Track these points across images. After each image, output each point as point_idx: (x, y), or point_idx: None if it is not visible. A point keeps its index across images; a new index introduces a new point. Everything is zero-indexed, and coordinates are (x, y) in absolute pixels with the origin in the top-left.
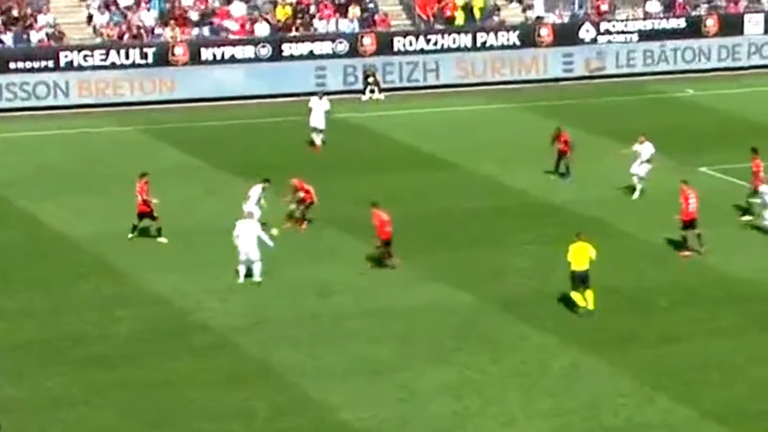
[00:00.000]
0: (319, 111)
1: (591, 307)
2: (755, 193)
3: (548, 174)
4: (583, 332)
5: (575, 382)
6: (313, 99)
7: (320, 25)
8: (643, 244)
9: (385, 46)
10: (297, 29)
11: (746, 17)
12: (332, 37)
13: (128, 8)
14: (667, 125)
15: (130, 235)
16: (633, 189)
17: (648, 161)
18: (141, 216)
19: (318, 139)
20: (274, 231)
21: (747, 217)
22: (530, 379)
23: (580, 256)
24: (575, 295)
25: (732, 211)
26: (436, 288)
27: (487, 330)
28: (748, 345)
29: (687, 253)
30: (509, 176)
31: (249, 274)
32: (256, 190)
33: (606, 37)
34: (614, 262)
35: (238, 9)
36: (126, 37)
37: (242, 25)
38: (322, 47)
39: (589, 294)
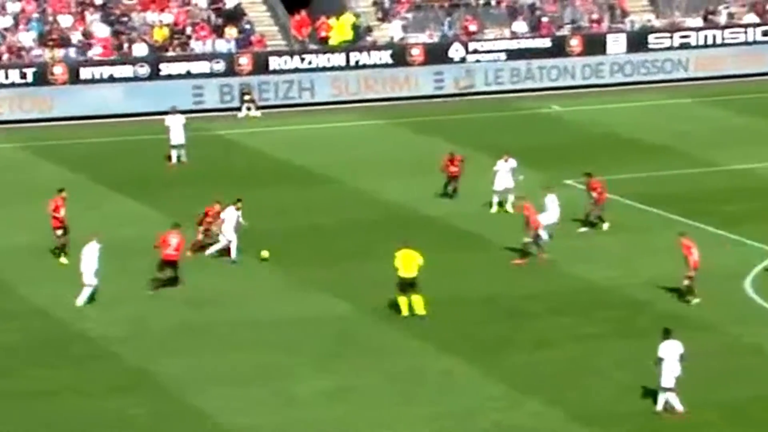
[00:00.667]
0: (176, 127)
1: (422, 312)
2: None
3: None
4: (457, 340)
5: (450, 388)
6: (168, 117)
7: (197, 46)
8: (515, 254)
9: (261, 66)
10: (174, 49)
11: (609, 37)
12: (209, 57)
13: (7, 29)
14: (533, 140)
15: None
16: (502, 203)
17: (512, 176)
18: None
19: (175, 155)
20: (265, 253)
21: (584, 228)
22: (407, 386)
23: (408, 262)
24: (401, 301)
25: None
26: (314, 298)
27: (365, 338)
28: (611, 350)
29: (521, 261)
30: (384, 190)
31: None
32: (231, 213)
33: (475, 56)
34: (488, 273)
35: (103, 31)
36: (6, 57)
37: (107, 47)
38: (200, 67)
39: (417, 299)
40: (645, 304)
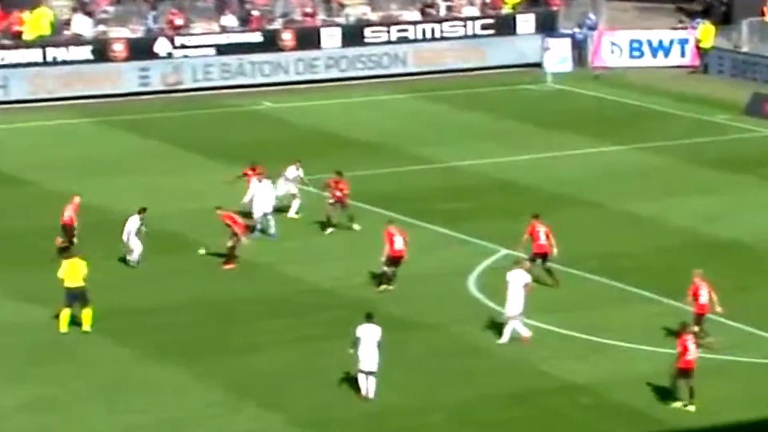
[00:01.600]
0: None
1: (87, 328)
2: None
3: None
4: (167, 345)
5: (159, 396)
6: None
7: None
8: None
9: None
10: None
11: (323, 31)
12: None
13: None
14: (245, 137)
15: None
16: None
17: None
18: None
19: None
20: (202, 251)
21: (331, 230)
22: (113, 394)
23: (74, 272)
24: (63, 315)
25: (312, 221)
26: (6, 305)
27: (66, 345)
28: (331, 351)
29: (232, 266)
30: (85, 192)
31: None
32: (133, 222)
33: (182, 51)
34: (196, 276)
35: None
36: None
37: None
38: None
39: (86, 313)
40: (368, 305)
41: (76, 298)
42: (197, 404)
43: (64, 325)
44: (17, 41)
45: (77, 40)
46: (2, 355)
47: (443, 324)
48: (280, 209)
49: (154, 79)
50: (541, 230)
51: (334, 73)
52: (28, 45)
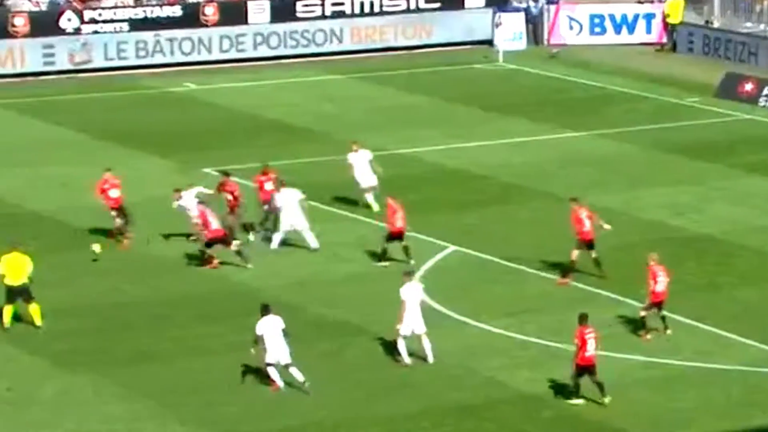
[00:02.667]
0: None
1: (39, 323)
2: None
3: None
4: (81, 354)
5: (67, 408)
6: None
7: None
8: (141, 256)
9: None
10: None
11: (250, 5)
12: None
13: None
14: (164, 122)
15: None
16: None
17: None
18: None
19: None
20: (96, 247)
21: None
22: (16, 408)
23: (16, 268)
24: (6, 310)
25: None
26: None
27: None
28: (251, 360)
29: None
30: None
31: None
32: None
33: (92, 27)
34: (125, 275)
35: None
36: None
37: None
38: None
39: (34, 309)
40: (294, 308)
41: (20, 294)
42: (103, 416)
43: (7, 319)
44: None
45: None
46: None
47: (384, 330)
48: None
49: (59, 58)
50: (583, 214)
51: (263, 51)
52: None
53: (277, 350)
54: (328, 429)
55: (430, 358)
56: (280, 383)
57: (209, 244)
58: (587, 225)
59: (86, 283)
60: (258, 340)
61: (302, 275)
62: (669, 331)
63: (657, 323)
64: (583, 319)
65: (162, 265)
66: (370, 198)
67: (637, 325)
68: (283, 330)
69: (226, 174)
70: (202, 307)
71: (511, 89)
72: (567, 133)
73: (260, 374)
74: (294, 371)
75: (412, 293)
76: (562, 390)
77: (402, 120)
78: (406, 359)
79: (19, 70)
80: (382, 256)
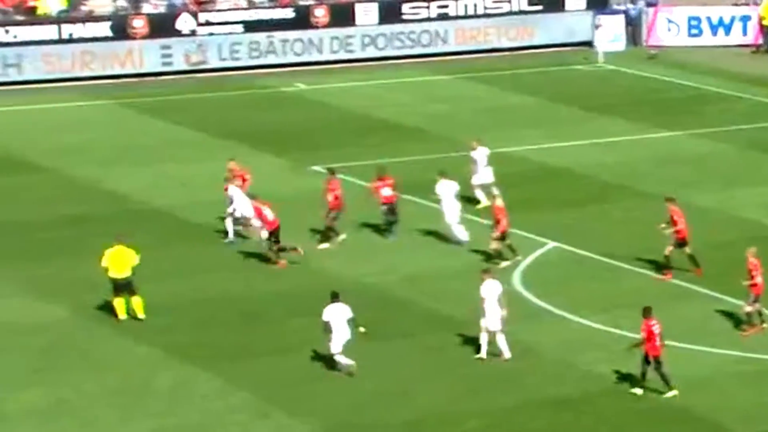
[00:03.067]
0: None
1: (142, 316)
2: None
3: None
4: (191, 346)
5: (182, 400)
6: None
7: None
8: (253, 252)
9: None
10: None
11: (358, 7)
12: None
13: None
14: (276, 122)
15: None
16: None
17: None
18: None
19: None
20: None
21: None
22: (131, 398)
23: (120, 261)
24: (117, 303)
25: (349, 211)
26: (20, 302)
27: (81, 345)
28: (363, 354)
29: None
30: (109, 180)
31: None
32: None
33: (207, 29)
34: (223, 271)
35: None
36: None
37: None
38: None
39: (137, 302)
40: (404, 303)
41: (123, 288)
42: (220, 410)
43: (121, 312)
44: (31, 17)
45: (95, 16)
46: (13, 357)
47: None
48: None
49: (176, 59)
50: (677, 214)
51: (371, 52)
52: (42, 21)
53: (340, 339)
54: (431, 422)
55: (506, 354)
56: (349, 362)
57: (274, 238)
58: (681, 224)
59: (200, 278)
60: (326, 327)
61: (410, 270)
62: (765, 325)
63: (756, 318)
64: (647, 311)
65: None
66: (480, 194)
67: (734, 321)
68: (349, 320)
69: (332, 172)
70: (298, 301)
71: (610, 90)
72: (664, 133)
73: (366, 367)
74: (343, 359)
75: (491, 290)
76: (657, 384)
77: (503, 119)
78: (483, 353)
79: (138, 70)
80: (498, 255)
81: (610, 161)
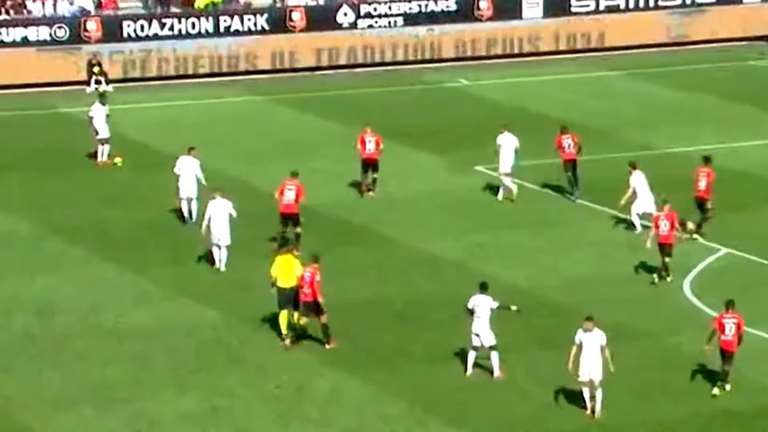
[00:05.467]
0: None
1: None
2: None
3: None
4: (345, 351)
5: (337, 407)
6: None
7: (35, 8)
8: (413, 252)
9: (112, 32)
10: (7, 12)
11: (524, 1)
12: (49, 22)
13: None
14: (439, 119)
15: None
16: (496, 190)
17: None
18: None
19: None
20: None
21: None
22: (286, 405)
23: (287, 270)
24: (281, 318)
25: (511, 212)
26: (175, 304)
27: (235, 349)
28: (528, 363)
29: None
30: (257, 177)
31: None
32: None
33: (367, 21)
34: (379, 273)
35: None
36: None
37: None
38: (40, 32)
39: (304, 321)
40: (569, 309)
41: (289, 300)
42: (375, 417)
43: (284, 328)
44: (188, 9)
45: (253, 9)
46: (165, 360)
47: (656, 332)
48: None
49: (335, 53)
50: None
51: (535, 47)
52: (200, 14)
53: (482, 332)
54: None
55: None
56: (469, 371)
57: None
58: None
59: (352, 280)
60: (471, 314)
61: (576, 274)
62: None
63: None
64: (729, 305)
65: (427, 263)
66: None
67: None
68: (492, 309)
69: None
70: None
71: None
72: None
73: (535, 377)
74: (494, 356)
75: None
76: None
77: (675, 118)
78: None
79: (295, 65)
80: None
81: None
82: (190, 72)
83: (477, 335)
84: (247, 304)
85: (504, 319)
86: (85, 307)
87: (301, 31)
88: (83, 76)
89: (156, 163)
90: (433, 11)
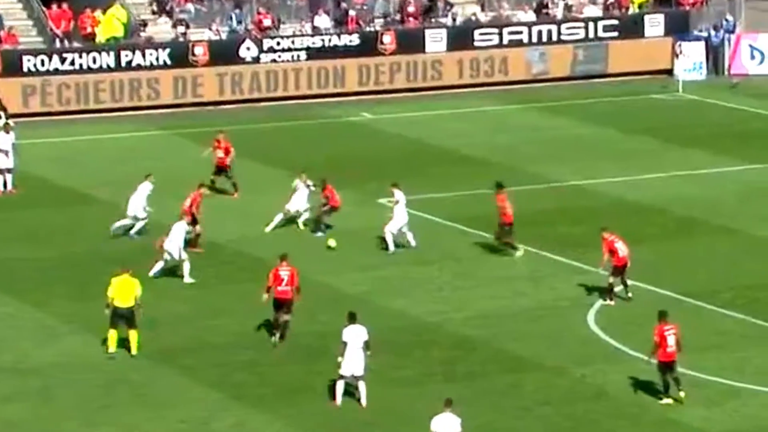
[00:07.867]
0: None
1: (134, 351)
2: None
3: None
4: (249, 386)
5: None
6: None
7: None
8: (316, 285)
9: (12, 66)
10: None
11: (427, 33)
12: None
13: None
14: (342, 153)
15: None
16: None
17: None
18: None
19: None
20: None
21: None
22: None
23: (124, 291)
24: (111, 336)
25: (419, 245)
26: (77, 339)
27: (140, 384)
28: (432, 395)
29: None
30: (162, 212)
31: None
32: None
33: (270, 56)
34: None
35: None
36: None
37: None
38: None
39: (132, 335)
40: (475, 342)
41: (124, 318)
42: None
43: (113, 345)
44: (90, 44)
45: (153, 43)
46: (69, 395)
47: (560, 365)
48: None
49: (239, 87)
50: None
51: (437, 81)
52: (101, 49)
53: (353, 362)
54: None
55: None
56: (338, 401)
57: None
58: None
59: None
60: (343, 348)
61: (482, 307)
62: None
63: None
64: (662, 315)
65: (331, 297)
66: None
67: None
68: (366, 342)
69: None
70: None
71: (691, 120)
72: (747, 165)
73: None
74: (361, 386)
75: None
76: (741, 429)
77: (577, 151)
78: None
79: (198, 99)
80: (608, 292)
81: (689, 195)
82: (92, 107)
83: (347, 364)
84: (151, 340)
85: (405, 349)
86: None
87: (204, 65)
88: None
89: (58, 199)
90: (336, 45)
